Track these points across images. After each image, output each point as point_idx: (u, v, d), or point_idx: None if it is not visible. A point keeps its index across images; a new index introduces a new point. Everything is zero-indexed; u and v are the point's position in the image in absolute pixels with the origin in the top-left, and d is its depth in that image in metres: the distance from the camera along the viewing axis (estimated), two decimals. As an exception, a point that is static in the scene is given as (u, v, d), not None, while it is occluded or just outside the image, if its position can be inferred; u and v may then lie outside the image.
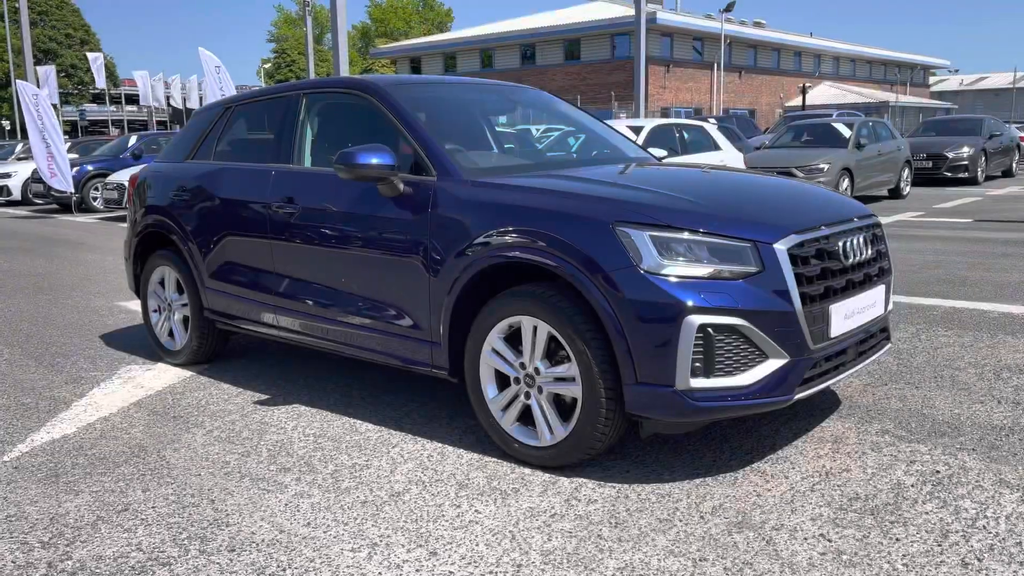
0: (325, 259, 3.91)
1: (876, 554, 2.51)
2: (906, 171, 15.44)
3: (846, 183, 13.56)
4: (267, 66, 65.45)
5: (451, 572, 2.50)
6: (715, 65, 41.65)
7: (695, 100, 42.58)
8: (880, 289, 3.42)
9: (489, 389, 3.35)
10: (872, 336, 3.47)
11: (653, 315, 2.85)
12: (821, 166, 13.18)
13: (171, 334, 4.99)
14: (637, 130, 9.59)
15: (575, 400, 3.09)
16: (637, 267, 2.88)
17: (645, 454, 3.35)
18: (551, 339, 3.13)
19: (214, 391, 4.45)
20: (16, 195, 19.39)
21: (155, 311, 5.10)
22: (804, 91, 35.72)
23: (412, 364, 3.65)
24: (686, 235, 2.93)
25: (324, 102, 4.27)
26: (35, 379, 4.78)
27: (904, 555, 2.50)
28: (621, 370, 2.94)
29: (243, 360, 5.07)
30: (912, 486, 2.97)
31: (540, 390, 3.19)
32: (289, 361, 5.00)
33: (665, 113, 39.26)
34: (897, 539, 2.59)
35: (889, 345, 3.67)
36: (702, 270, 2.89)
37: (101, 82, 45.10)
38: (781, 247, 2.95)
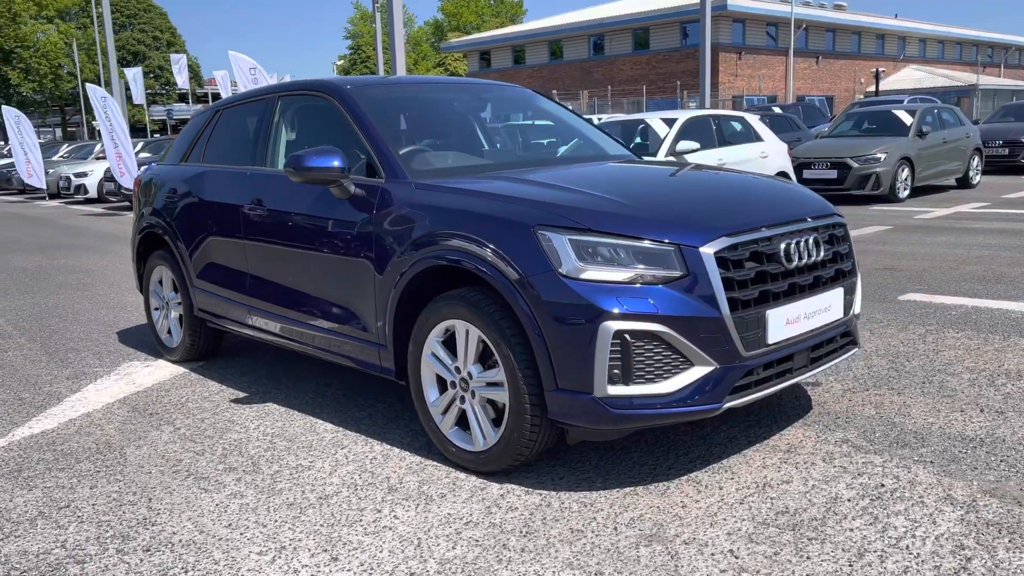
0: (289, 261, 3.96)
1: (779, 573, 2.40)
2: (976, 159, 14.69)
3: (906, 173, 13.01)
4: (340, 63, 66.65)
5: (344, 579, 2.50)
6: (789, 51, 40.41)
7: (769, 87, 41.45)
8: (836, 292, 3.26)
9: (430, 393, 3.34)
10: (830, 341, 3.31)
11: (570, 320, 2.79)
12: (878, 155, 12.66)
13: (169, 332, 5.15)
14: (670, 122, 9.40)
15: (505, 405, 3.05)
16: (556, 271, 2.83)
17: (584, 459, 3.28)
18: (482, 344, 3.10)
19: (199, 388, 4.57)
20: (93, 193, 20.31)
21: (156, 309, 5.26)
22: (877, 76, 34.32)
23: (364, 366, 3.66)
24: (607, 238, 2.85)
25: (296, 105, 4.32)
26: (41, 374, 5.00)
27: (807, 575, 2.38)
28: (542, 376, 2.89)
29: (238, 358, 5.18)
30: (848, 500, 2.83)
31: (473, 395, 3.17)
32: (279, 359, 5.09)
33: (737, 101, 38.36)
34: (808, 558, 2.48)
35: (856, 350, 3.50)
36: (622, 274, 2.81)
37: (183, 83, 46.72)
38: (708, 251, 2.84)
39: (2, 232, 14.21)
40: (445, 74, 67.20)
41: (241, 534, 2.82)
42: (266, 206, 4.07)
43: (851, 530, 2.63)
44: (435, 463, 3.34)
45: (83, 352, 5.49)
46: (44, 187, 21.44)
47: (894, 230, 9.75)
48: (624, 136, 10.17)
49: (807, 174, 13.16)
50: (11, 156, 23.43)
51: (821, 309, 3.18)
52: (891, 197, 12.82)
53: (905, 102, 19.97)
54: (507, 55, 48.41)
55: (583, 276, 2.81)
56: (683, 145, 8.98)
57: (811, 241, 3.16)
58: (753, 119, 10.50)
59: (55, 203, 20.97)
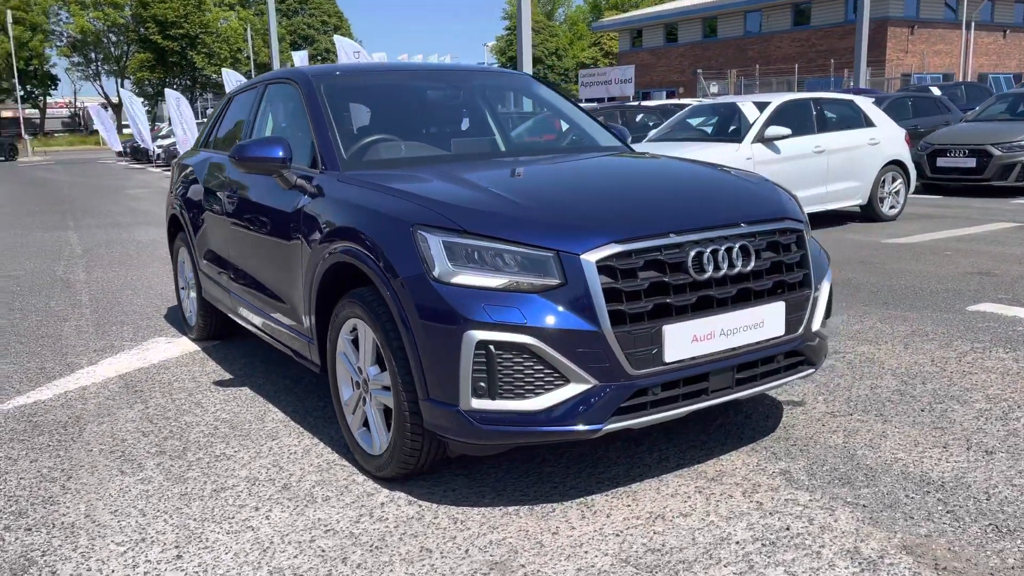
0: (255, 250, 3.99)
1: (598, 622, 2.16)
2: None
3: (1060, 162, 11.58)
4: (491, 44, 67.35)
5: (172, 578, 2.49)
6: (969, 24, 36.96)
7: (945, 64, 38.17)
8: (773, 307, 2.88)
9: (344, 391, 3.27)
10: (766, 361, 2.94)
11: (437, 327, 2.63)
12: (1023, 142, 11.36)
13: (191, 310, 5.35)
14: (762, 106, 8.77)
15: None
16: (429, 274, 2.67)
17: (494, 470, 3.10)
18: (376, 345, 2.98)
19: (195, 368, 4.71)
20: (240, 170, 21.63)
21: (182, 288, 5.48)
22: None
23: (300, 358, 3.64)
24: (483, 241, 2.65)
25: (276, 93, 4.33)
26: (77, 344, 5.32)
27: (627, 628, 2.13)
28: (416, 384, 2.74)
29: (248, 339, 5.29)
30: (737, 543, 2.52)
31: (371, 397, 3.07)
32: (287, 343, 5.17)
33: (906, 80, 35.57)
34: (641, 607, 2.22)
35: (810, 371, 3.10)
36: (494, 280, 2.61)
37: (344, 64, 48.79)
38: (589, 258, 2.59)
39: (143, 206, 15.37)
40: (598, 53, 66.47)
41: (119, 522, 2.86)
42: (238, 194, 4.12)
43: (713, 579, 2.33)
44: (345, 463, 3.27)
45: (125, 326, 5.80)
46: (200, 164, 23.06)
47: (1019, 228, 8.71)
48: (718, 121, 9.62)
49: (941, 162, 12.01)
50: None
51: (748, 325, 2.83)
52: (1039, 189, 11.48)
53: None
54: (659, 33, 47.19)
55: (453, 280, 2.63)
56: (772, 131, 8.39)
57: (737, 249, 2.81)
58: (865, 103, 9.62)
59: (208, 179, 22.50)
